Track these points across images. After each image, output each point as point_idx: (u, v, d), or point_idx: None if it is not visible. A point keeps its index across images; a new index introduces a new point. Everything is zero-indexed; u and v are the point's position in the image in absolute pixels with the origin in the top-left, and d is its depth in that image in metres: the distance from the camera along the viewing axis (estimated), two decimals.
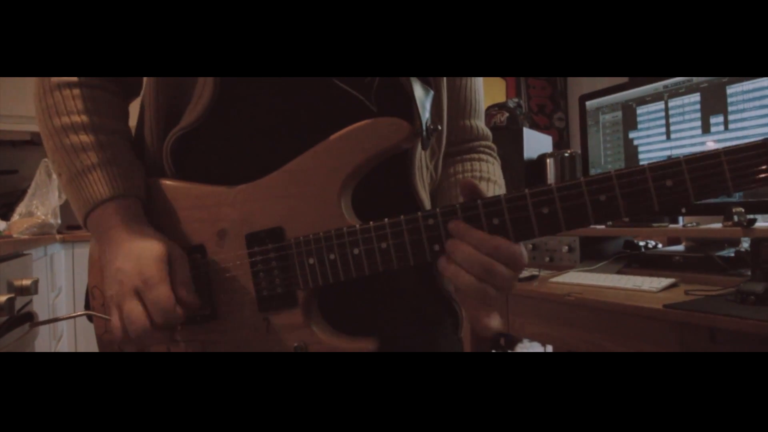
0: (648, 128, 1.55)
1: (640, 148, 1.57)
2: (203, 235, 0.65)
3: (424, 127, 0.60)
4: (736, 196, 1.34)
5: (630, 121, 1.59)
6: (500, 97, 3.98)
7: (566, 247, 1.62)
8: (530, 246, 1.74)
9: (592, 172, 1.69)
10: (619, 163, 1.62)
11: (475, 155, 0.78)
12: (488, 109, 1.99)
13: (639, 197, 0.50)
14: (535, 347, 3.24)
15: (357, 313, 0.66)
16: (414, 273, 0.71)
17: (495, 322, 0.58)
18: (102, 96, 0.68)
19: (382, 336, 0.61)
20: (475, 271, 0.53)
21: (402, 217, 0.57)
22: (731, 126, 1.35)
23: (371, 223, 0.58)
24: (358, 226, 0.58)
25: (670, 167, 0.49)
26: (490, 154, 0.80)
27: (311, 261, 0.60)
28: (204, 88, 0.64)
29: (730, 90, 1.35)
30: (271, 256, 0.62)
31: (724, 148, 0.47)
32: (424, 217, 0.56)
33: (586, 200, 0.51)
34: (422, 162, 0.69)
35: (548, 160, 1.78)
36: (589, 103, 1.71)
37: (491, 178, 0.76)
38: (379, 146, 0.59)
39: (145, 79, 0.67)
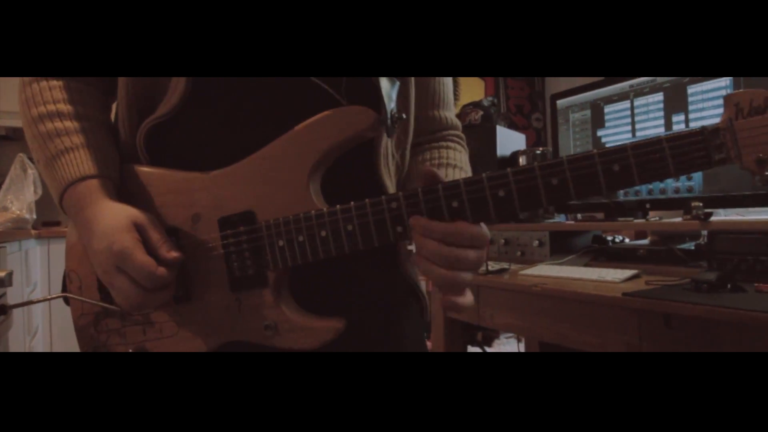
0: (615, 126, 1.60)
1: (608, 145, 1.62)
2: (177, 219, 0.67)
3: (388, 116, 0.64)
4: (696, 191, 1.40)
5: (598, 120, 1.64)
6: (479, 97, 4.04)
7: (537, 242, 1.66)
8: (502, 241, 1.79)
9: None
10: None
11: (443, 143, 0.82)
12: (464, 107, 2.03)
13: (588, 180, 0.53)
14: (512, 343, 3.29)
15: (326, 295, 0.68)
16: (380, 259, 0.74)
17: (468, 299, 0.60)
18: (83, 88, 0.70)
19: (349, 317, 0.63)
20: (444, 263, 0.56)
21: (367, 200, 0.60)
22: (692, 124, 1.41)
23: (338, 206, 0.61)
24: (325, 209, 0.61)
25: (617, 153, 0.52)
26: (458, 143, 0.83)
27: (281, 243, 0.63)
28: (179, 79, 0.66)
29: (690, 90, 1.40)
30: (243, 238, 0.64)
31: (665, 134, 0.51)
32: (387, 200, 0.59)
33: (539, 183, 0.54)
34: (388, 151, 0.72)
35: (521, 158, 1.82)
36: (559, 102, 1.76)
37: (457, 165, 0.79)
38: (346, 133, 0.62)
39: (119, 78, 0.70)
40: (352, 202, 0.60)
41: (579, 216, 1.84)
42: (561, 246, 1.67)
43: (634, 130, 1.55)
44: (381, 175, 0.70)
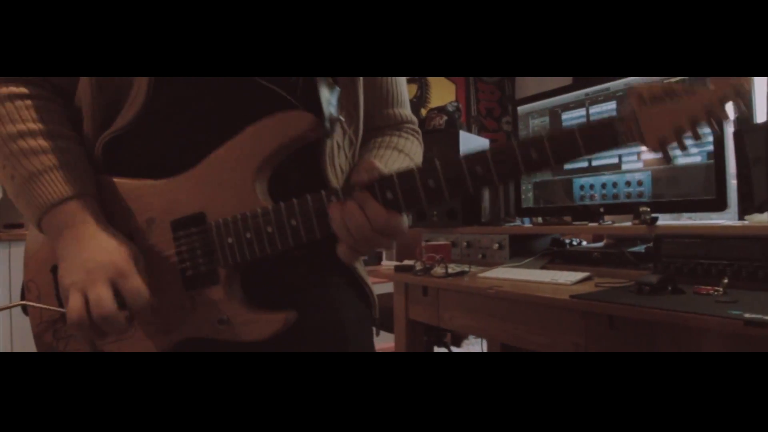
0: None
1: None
2: (132, 225, 0.70)
3: (326, 119, 0.68)
4: (646, 196, 1.45)
5: (556, 126, 1.69)
6: (450, 100, 4.09)
7: (497, 245, 1.71)
8: (465, 244, 1.82)
9: None
10: None
11: (396, 132, 0.87)
12: (429, 112, 2.07)
13: (510, 167, 0.59)
14: (480, 344, 3.34)
15: (274, 292, 0.72)
16: (328, 258, 0.77)
17: (352, 258, 0.66)
18: (54, 107, 0.71)
19: (299, 311, 0.68)
20: (358, 236, 0.62)
21: (308, 195, 0.64)
22: None
23: (281, 203, 0.65)
24: (270, 206, 0.65)
25: (535, 143, 0.59)
26: (411, 134, 0.89)
27: (230, 240, 0.66)
28: (137, 94, 0.68)
29: None
30: (194, 238, 0.68)
31: (577, 125, 0.58)
32: (327, 194, 0.64)
33: (465, 173, 0.60)
34: (334, 152, 0.75)
35: None
36: (520, 108, 1.81)
37: (403, 150, 0.84)
38: (287, 135, 0.66)
39: (81, 93, 0.71)
40: (294, 199, 0.65)
41: (540, 219, 1.89)
42: (521, 249, 1.71)
43: None
44: (327, 175, 0.73)
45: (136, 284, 0.63)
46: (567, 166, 1.66)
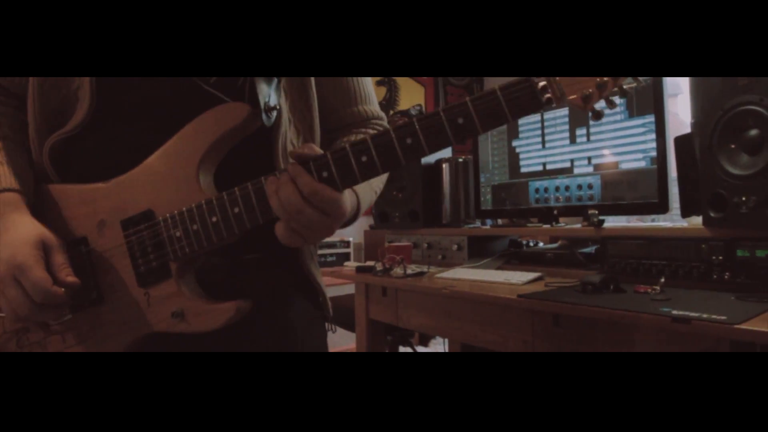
0: (527, 137, 1.71)
1: (521, 155, 1.72)
2: (85, 228, 0.72)
3: (262, 108, 0.70)
4: (596, 199, 1.51)
5: (513, 131, 1.75)
6: (419, 102, 4.14)
7: (456, 246, 1.75)
8: (425, 245, 1.86)
9: (482, 176, 1.84)
10: (504, 169, 1.77)
11: (363, 129, 0.88)
12: (392, 116, 2.10)
13: (438, 135, 0.60)
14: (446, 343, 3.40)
15: (228, 292, 0.73)
16: (279, 258, 0.80)
17: (290, 239, 0.65)
18: (4, 111, 0.73)
19: (248, 302, 0.69)
20: (290, 208, 0.62)
21: (248, 183, 0.66)
22: (592, 138, 1.52)
23: (224, 192, 0.67)
24: (214, 197, 0.68)
25: (459, 107, 0.59)
26: (378, 128, 0.89)
27: (178, 234, 0.68)
28: (84, 98, 0.70)
29: None
30: (144, 235, 0.70)
31: (499, 85, 0.58)
32: (265, 179, 0.65)
33: (395, 144, 0.61)
34: (287, 149, 0.77)
35: (444, 165, 1.91)
36: None
37: None
38: (226, 127, 0.69)
39: (28, 96, 0.72)
40: (236, 187, 0.66)
41: (500, 221, 1.94)
42: (479, 250, 1.76)
43: (543, 142, 1.66)
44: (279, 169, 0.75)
45: (33, 278, 0.63)
46: (523, 170, 1.71)
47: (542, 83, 0.57)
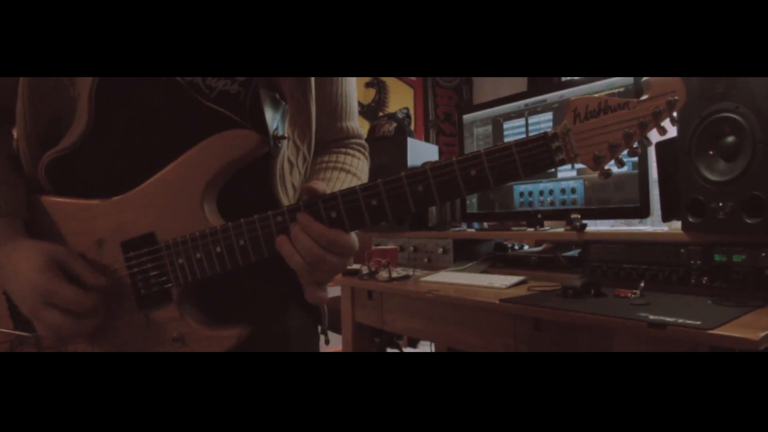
0: None
1: None
2: (82, 246, 0.70)
3: (271, 136, 0.70)
4: (579, 204, 1.53)
5: (498, 135, 1.76)
6: (408, 104, 4.15)
7: (441, 249, 1.76)
8: (412, 248, 1.87)
9: None
10: None
11: (344, 149, 0.88)
12: (378, 119, 2.11)
13: (450, 186, 0.60)
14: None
15: (225, 306, 0.73)
16: (278, 275, 0.80)
17: (322, 293, 0.66)
18: None
19: (251, 326, 0.69)
20: (310, 258, 0.63)
21: (255, 216, 0.66)
22: None
23: (230, 223, 0.67)
24: (219, 226, 0.67)
25: (472, 159, 0.59)
26: (358, 150, 0.91)
27: (180, 261, 0.68)
28: (81, 114, 0.68)
29: None
30: (146, 258, 0.69)
31: (514, 141, 0.58)
32: (273, 215, 0.65)
33: (406, 191, 0.61)
34: (285, 170, 0.77)
35: None
36: (465, 117, 1.87)
37: (350, 170, 0.86)
38: (233, 154, 0.68)
39: (18, 107, 0.71)
40: (242, 219, 0.66)
41: (486, 225, 1.95)
42: (465, 253, 1.77)
43: None
44: (277, 193, 0.75)
45: (65, 296, 0.63)
46: None
47: (557, 144, 0.58)
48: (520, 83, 3.39)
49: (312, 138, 0.80)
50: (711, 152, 1.10)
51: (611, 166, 0.58)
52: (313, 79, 0.78)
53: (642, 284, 1.16)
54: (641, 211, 1.39)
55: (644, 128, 0.56)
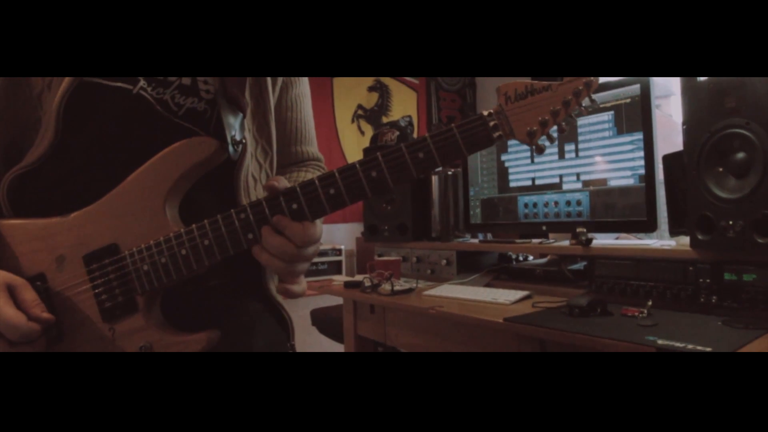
0: (516, 152, 1.70)
1: (510, 170, 1.71)
2: (42, 265, 0.69)
3: (229, 141, 0.70)
4: (584, 216, 1.50)
5: (502, 145, 1.73)
6: (412, 108, 4.13)
7: (445, 261, 1.74)
8: (415, 259, 1.85)
9: (471, 190, 1.83)
10: (493, 183, 1.76)
11: (304, 168, 0.91)
12: (381, 127, 2.09)
13: (401, 169, 0.63)
14: None
15: (191, 310, 0.73)
16: (243, 285, 0.79)
17: (301, 287, 0.69)
18: None
19: (217, 332, 0.69)
20: (286, 257, 0.65)
21: (218, 216, 0.66)
22: (581, 154, 1.51)
23: (193, 225, 0.67)
24: (183, 230, 0.67)
25: (420, 143, 0.63)
26: (317, 169, 0.92)
27: (146, 267, 0.67)
28: (47, 130, 0.68)
29: (580, 121, 1.51)
30: (109, 269, 0.68)
31: (455, 123, 0.63)
32: (236, 212, 0.66)
33: (361, 177, 0.64)
34: (249, 184, 0.78)
35: (434, 178, 1.89)
36: None
37: None
38: (192, 161, 0.69)
39: None
40: (206, 220, 0.67)
41: (490, 236, 1.93)
42: (468, 264, 1.75)
43: (532, 156, 1.64)
44: (240, 202, 0.75)
45: (6, 318, 0.62)
46: (512, 184, 1.70)
47: (493, 122, 0.62)
48: None
49: (273, 156, 0.83)
50: (720, 169, 1.08)
51: (544, 142, 0.64)
52: (272, 100, 0.81)
53: (650, 303, 1.14)
54: (648, 225, 1.36)
55: (567, 106, 0.61)
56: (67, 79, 0.67)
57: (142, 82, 0.70)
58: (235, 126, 0.73)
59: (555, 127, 0.64)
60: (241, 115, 0.74)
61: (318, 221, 0.68)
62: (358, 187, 0.64)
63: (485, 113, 0.62)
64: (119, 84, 0.70)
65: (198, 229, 0.67)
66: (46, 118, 0.68)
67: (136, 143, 0.70)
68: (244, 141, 0.74)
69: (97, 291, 0.68)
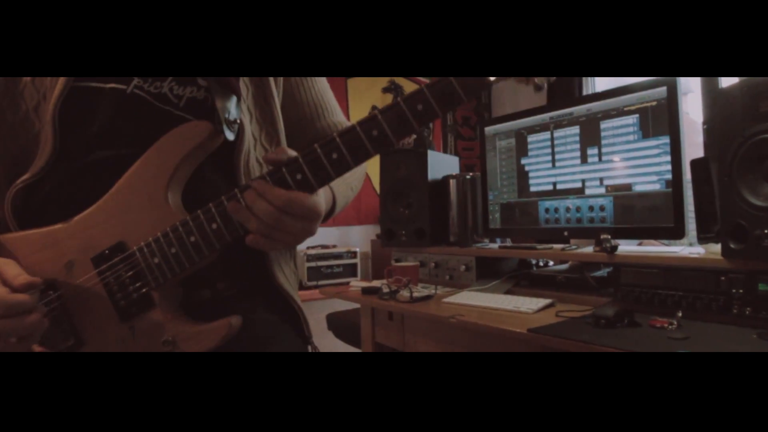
0: (537, 155, 1.66)
1: (530, 174, 1.68)
2: (52, 272, 0.68)
3: (223, 122, 0.69)
4: (608, 222, 1.47)
5: (522, 148, 1.70)
6: None
7: (464, 266, 1.71)
8: (433, 264, 1.82)
9: (490, 194, 1.80)
10: (513, 187, 1.73)
11: None
12: None
13: (402, 121, 0.62)
14: None
15: (207, 319, 0.71)
16: (256, 283, 0.78)
17: (269, 244, 0.65)
18: None
19: (238, 318, 0.69)
20: (268, 220, 0.63)
21: (222, 197, 0.65)
22: (604, 158, 1.47)
23: (198, 210, 0.66)
24: (189, 217, 0.66)
25: (417, 94, 0.62)
26: None
27: (156, 260, 0.67)
28: (46, 141, 0.67)
29: (603, 125, 1.47)
30: (119, 267, 0.67)
31: (400, 98, 0.62)
32: (240, 190, 0.64)
33: (362, 138, 0.62)
34: (254, 170, 0.76)
35: (451, 181, 1.86)
36: (487, 129, 1.81)
37: None
38: (189, 146, 0.67)
39: None
40: (210, 203, 0.65)
41: (509, 241, 1.90)
42: (487, 270, 1.72)
43: (554, 160, 1.61)
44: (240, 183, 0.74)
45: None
46: (533, 189, 1.67)
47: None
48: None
49: (281, 140, 0.80)
50: (754, 175, 1.04)
51: None
52: (272, 81, 0.79)
53: (680, 314, 1.10)
54: (675, 232, 1.32)
55: None
56: (58, 86, 0.67)
57: (135, 80, 0.69)
58: (229, 108, 0.71)
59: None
60: (234, 97, 0.72)
61: (323, 198, 0.66)
62: (361, 147, 0.62)
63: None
64: (112, 85, 0.69)
65: (204, 213, 0.65)
66: (44, 129, 0.67)
67: (137, 143, 0.69)
68: (238, 121, 0.72)
69: (110, 291, 0.68)
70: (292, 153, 0.64)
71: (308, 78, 0.87)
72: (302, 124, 0.84)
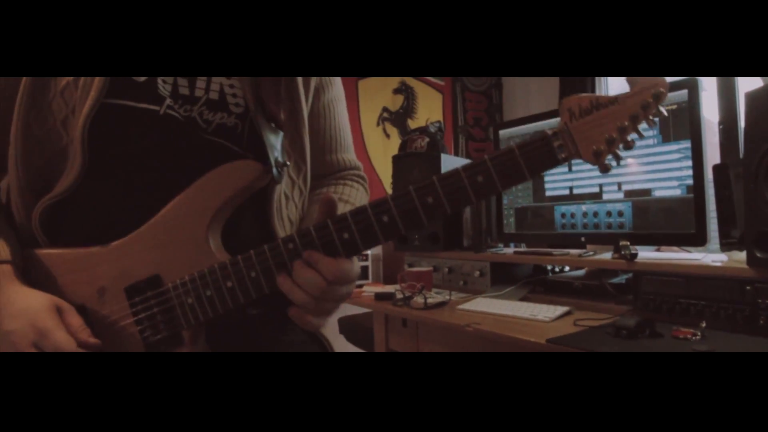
0: None
1: (546, 179, 1.65)
2: (83, 296, 0.67)
3: (273, 165, 0.67)
4: (626, 228, 1.44)
5: None
6: (437, 110, 4.07)
7: (478, 272, 1.68)
8: (446, 269, 1.80)
9: (504, 198, 1.77)
10: (528, 192, 1.70)
11: (341, 181, 0.86)
12: (410, 133, 2.04)
13: (459, 194, 0.59)
14: None
15: (232, 339, 0.71)
16: (281, 307, 0.76)
17: (318, 322, 0.64)
18: None
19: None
20: (316, 292, 0.60)
21: (265, 246, 0.63)
22: (622, 162, 1.44)
23: (239, 256, 0.63)
24: (228, 261, 0.64)
25: (479, 166, 0.58)
26: (356, 181, 0.88)
27: (190, 301, 0.65)
28: (75, 157, 0.65)
29: None
30: (152, 302, 0.66)
31: (516, 144, 0.58)
32: (284, 242, 0.62)
33: (417, 205, 0.59)
34: (282, 203, 0.75)
35: None
36: (501, 132, 1.79)
37: (348, 200, 0.84)
38: (236, 186, 0.66)
39: (9, 156, 0.68)
40: (251, 251, 0.63)
41: (524, 245, 1.87)
42: (502, 275, 1.69)
43: (570, 164, 1.58)
44: (274, 226, 0.73)
45: (57, 341, 0.60)
46: (549, 193, 1.64)
47: (557, 143, 0.58)
48: (551, 84, 3.29)
49: (308, 171, 0.78)
50: None
51: (610, 161, 0.60)
52: (305, 111, 0.77)
53: (703, 325, 1.07)
54: (697, 239, 1.29)
55: (635, 120, 0.57)
56: (88, 102, 0.65)
57: (168, 101, 0.68)
58: (277, 146, 0.70)
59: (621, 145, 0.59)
60: (281, 133, 0.71)
61: (355, 260, 0.64)
62: (414, 214, 0.59)
63: (549, 132, 0.58)
64: (144, 105, 0.67)
65: (244, 260, 0.63)
66: (72, 145, 0.66)
67: (169, 164, 0.68)
68: (288, 164, 0.71)
69: (140, 325, 0.66)
70: (340, 207, 0.63)
71: (333, 107, 0.84)
72: (312, 154, 0.81)
